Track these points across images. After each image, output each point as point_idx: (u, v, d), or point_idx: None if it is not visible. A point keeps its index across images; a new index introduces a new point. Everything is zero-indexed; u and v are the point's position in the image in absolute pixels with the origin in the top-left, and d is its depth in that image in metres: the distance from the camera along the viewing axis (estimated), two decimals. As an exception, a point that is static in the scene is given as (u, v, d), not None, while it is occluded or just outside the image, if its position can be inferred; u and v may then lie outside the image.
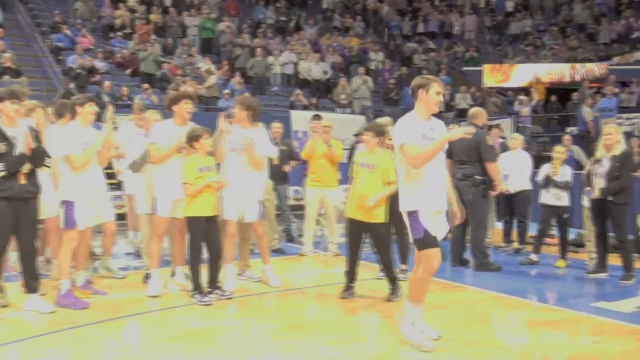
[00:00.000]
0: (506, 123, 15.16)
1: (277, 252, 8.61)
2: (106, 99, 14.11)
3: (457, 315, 5.63)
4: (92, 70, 15.61)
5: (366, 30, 23.89)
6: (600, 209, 7.31)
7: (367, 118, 15.46)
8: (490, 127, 9.51)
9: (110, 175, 7.54)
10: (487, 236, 8.45)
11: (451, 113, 17.62)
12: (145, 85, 15.24)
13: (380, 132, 6.32)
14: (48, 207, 6.10)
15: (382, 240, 6.20)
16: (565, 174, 8.20)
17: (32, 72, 15.97)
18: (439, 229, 4.72)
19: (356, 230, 6.21)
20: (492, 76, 21.34)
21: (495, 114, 17.23)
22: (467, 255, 8.03)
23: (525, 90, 19.61)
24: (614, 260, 7.50)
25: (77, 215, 5.80)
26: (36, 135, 5.53)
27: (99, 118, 6.40)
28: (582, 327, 5.62)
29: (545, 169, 8.37)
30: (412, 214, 4.63)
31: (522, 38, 24.02)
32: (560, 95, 19.33)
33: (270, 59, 18.75)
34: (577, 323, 5.70)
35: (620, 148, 7.16)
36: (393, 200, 7.05)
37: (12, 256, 6.26)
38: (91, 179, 5.97)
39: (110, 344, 4.92)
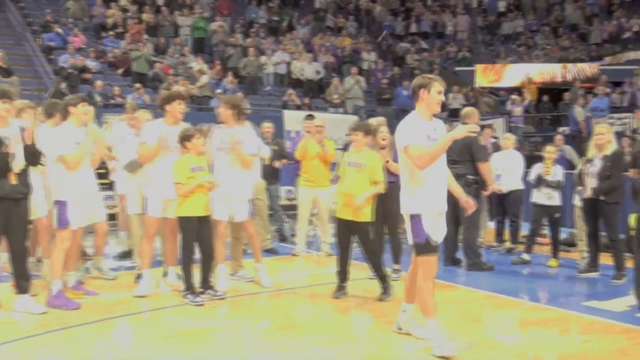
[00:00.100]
0: (498, 123, 15.20)
1: (270, 252, 8.60)
2: (98, 98, 14.08)
3: (450, 315, 5.63)
4: (83, 70, 15.55)
5: (359, 30, 23.90)
6: (592, 208, 7.33)
7: (360, 118, 15.46)
8: (482, 127, 9.52)
9: (101, 175, 7.51)
10: (479, 236, 8.47)
11: (444, 113, 17.64)
12: (137, 85, 15.19)
13: (369, 131, 6.34)
14: (38, 207, 6.07)
15: (369, 239, 6.20)
16: (557, 173, 8.24)
17: (23, 71, 15.90)
18: (439, 231, 4.68)
19: (345, 230, 6.21)
20: (484, 76, 21.39)
21: (488, 114, 17.26)
22: (460, 254, 8.04)
23: (518, 90, 19.65)
24: (606, 259, 7.53)
25: (70, 215, 5.78)
26: (27, 135, 5.51)
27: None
28: (574, 326, 5.64)
29: (537, 169, 8.40)
30: (415, 217, 4.57)
31: (514, 38, 24.08)
32: (552, 95, 19.39)
33: (263, 58, 18.73)
34: (568, 322, 5.72)
35: (611, 148, 7.19)
36: (386, 200, 7.09)
37: (3, 257, 6.23)
38: (83, 179, 5.95)
39: (102, 345, 4.89)
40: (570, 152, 11.66)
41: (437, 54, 22.80)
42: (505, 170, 8.97)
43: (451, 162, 7.77)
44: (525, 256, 8.30)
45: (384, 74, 20.40)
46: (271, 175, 9.00)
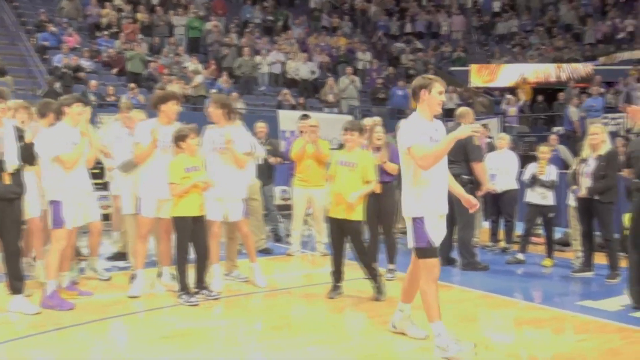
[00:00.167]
0: (493, 123, 15.22)
1: (264, 252, 8.59)
2: (92, 98, 14.04)
3: (444, 315, 5.60)
4: (77, 70, 15.51)
5: (354, 30, 23.91)
6: (587, 208, 7.35)
7: (355, 118, 15.46)
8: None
9: (95, 175, 7.49)
10: (474, 235, 8.48)
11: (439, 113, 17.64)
12: (132, 85, 15.17)
13: (363, 131, 6.40)
14: (31, 207, 6.06)
15: (360, 238, 6.21)
16: (551, 173, 8.27)
17: (17, 71, 15.86)
18: (440, 233, 4.63)
19: (338, 230, 6.21)
20: (479, 76, 21.43)
21: (483, 113, 17.30)
22: (455, 254, 8.05)
23: (512, 90, 19.71)
24: (600, 259, 7.55)
25: (65, 215, 5.77)
26: (21, 135, 5.50)
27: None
28: (568, 326, 5.65)
29: (531, 168, 8.43)
30: (418, 220, 4.51)
31: (508, 38, 24.13)
32: (547, 95, 19.45)
33: (258, 58, 18.72)
34: (563, 321, 5.73)
35: (605, 148, 7.21)
36: (381, 200, 7.10)
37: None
38: (78, 179, 5.95)
39: (96, 345, 4.88)
40: (564, 152, 11.69)
41: (431, 54, 22.83)
42: (499, 170, 8.98)
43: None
44: (520, 256, 8.33)
45: (379, 73, 20.42)
46: (265, 175, 8.99)
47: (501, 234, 9.38)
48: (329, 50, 20.88)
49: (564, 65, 20.52)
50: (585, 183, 7.24)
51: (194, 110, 15.27)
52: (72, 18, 18.72)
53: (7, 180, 5.36)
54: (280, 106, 16.61)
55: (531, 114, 19.17)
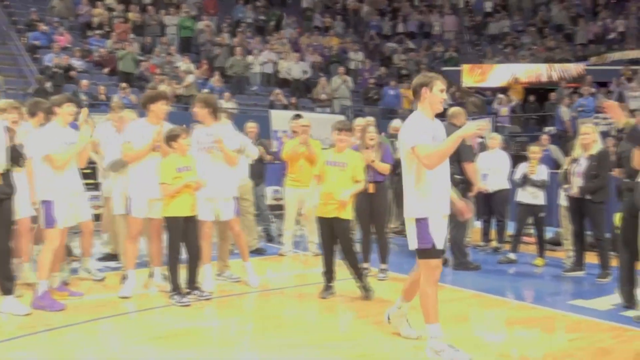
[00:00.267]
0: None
1: (257, 252, 8.58)
2: (83, 98, 13.99)
3: (436, 314, 5.65)
4: (68, 69, 15.44)
5: (346, 30, 23.92)
6: (578, 207, 7.38)
7: (347, 117, 15.48)
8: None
9: (87, 176, 7.46)
10: (466, 235, 8.49)
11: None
12: (123, 84, 15.12)
13: (351, 130, 6.43)
14: (21, 208, 6.02)
15: (348, 237, 6.22)
16: (541, 172, 8.30)
17: (8, 70, 15.78)
18: (443, 233, 4.56)
19: (329, 230, 6.21)
20: (471, 76, 21.47)
21: (474, 113, 17.34)
22: (447, 254, 8.05)
23: (504, 90, 19.76)
24: (591, 258, 7.58)
25: (57, 214, 5.75)
26: (11, 136, 5.47)
27: (75, 118, 6.32)
28: (560, 325, 5.67)
29: (522, 168, 8.46)
30: (422, 221, 4.42)
31: (500, 38, 24.18)
32: (538, 95, 19.51)
33: (250, 58, 18.70)
34: (554, 321, 5.74)
35: (597, 147, 7.24)
36: (374, 200, 7.11)
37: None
38: (69, 179, 5.93)
39: (87, 346, 4.85)
40: (556, 151, 11.72)
41: (424, 53, 22.85)
42: (491, 169, 9.00)
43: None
44: (512, 255, 8.35)
45: (371, 73, 20.44)
46: (257, 175, 8.98)
47: (493, 233, 9.40)
48: (321, 50, 20.89)
49: (556, 66, 20.58)
50: (577, 182, 7.27)
51: (185, 110, 15.23)
52: (63, 17, 18.64)
53: (-3, 180, 5.33)
54: (272, 106, 16.60)
55: (523, 114, 19.23)
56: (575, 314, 5.83)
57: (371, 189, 7.07)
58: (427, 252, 4.44)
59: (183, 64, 17.17)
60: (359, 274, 6.30)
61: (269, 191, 11.02)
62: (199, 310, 5.86)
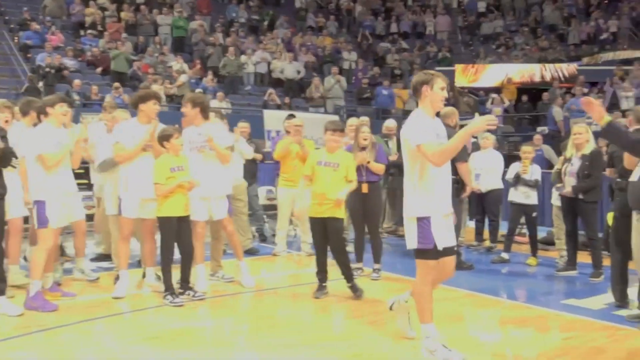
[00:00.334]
0: (478, 122, 15.25)
1: (250, 252, 8.56)
2: (76, 97, 13.95)
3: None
4: (61, 69, 15.39)
5: (339, 30, 23.93)
6: (571, 207, 7.40)
7: (341, 117, 15.49)
8: (462, 127, 9.57)
9: (79, 176, 7.42)
10: (459, 235, 8.49)
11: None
12: (116, 84, 15.08)
13: (343, 130, 6.41)
14: (11, 208, 5.99)
15: (341, 236, 6.25)
16: (534, 172, 8.33)
17: (0, 70, 15.71)
18: (449, 233, 4.47)
19: (321, 230, 6.21)
20: (464, 76, 21.51)
21: (467, 113, 17.36)
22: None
23: (497, 90, 19.80)
24: (584, 257, 7.60)
25: (49, 214, 5.72)
26: (3, 135, 5.44)
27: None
28: (553, 324, 5.68)
29: (515, 168, 8.48)
30: (424, 221, 4.33)
31: (493, 38, 24.24)
32: (531, 95, 19.56)
33: (243, 58, 18.68)
34: (547, 320, 5.76)
35: (589, 147, 7.26)
36: (367, 200, 7.11)
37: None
38: (62, 179, 5.90)
39: (81, 347, 4.84)
40: (548, 151, 11.76)
41: (417, 54, 22.89)
42: (484, 169, 9.02)
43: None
44: (505, 255, 8.37)
45: (365, 73, 20.45)
46: (249, 174, 8.96)
47: (486, 233, 9.41)
48: (314, 50, 20.89)
49: (548, 66, 20.65)
50: (570, 182, 7.29)
51: (178, 110, 15.19)
52: (55, 17, 18.60)
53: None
54: (265, 106, 16.60)
55: (516, 114, 19.28)
56: (568, 313, 5.85)
57: (365, 189, 7.07)
58: (426, 252, 4.37)
59: (176, 63, 17.15)
60: (349, 274, 6.30)
61: (262, 191, 11.01)
62: (193, 311, 5.85)
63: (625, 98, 16.20)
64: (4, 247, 5.69)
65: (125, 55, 16.68)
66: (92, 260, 7.85)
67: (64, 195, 5.93)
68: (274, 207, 9.95)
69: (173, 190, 5.94)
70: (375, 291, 6.57)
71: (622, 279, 6.03)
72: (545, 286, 7.33)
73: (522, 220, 8.64)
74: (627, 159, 5.58)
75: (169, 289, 5.99)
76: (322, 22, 23.54)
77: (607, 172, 6.85)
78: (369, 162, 7.05)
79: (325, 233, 6.20)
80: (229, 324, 5.57)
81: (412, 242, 4.42)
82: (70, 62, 16.12)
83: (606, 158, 7.11)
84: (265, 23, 22.00)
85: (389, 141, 10.04)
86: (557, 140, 14.32)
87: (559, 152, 9.29)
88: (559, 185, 7.59)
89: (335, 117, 15.53)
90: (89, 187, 8.43)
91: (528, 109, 19.15)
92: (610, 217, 6.23)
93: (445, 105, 5.59)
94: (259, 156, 9.28)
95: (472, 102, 19.39)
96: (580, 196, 7.23)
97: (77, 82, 14.90)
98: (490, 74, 21.20)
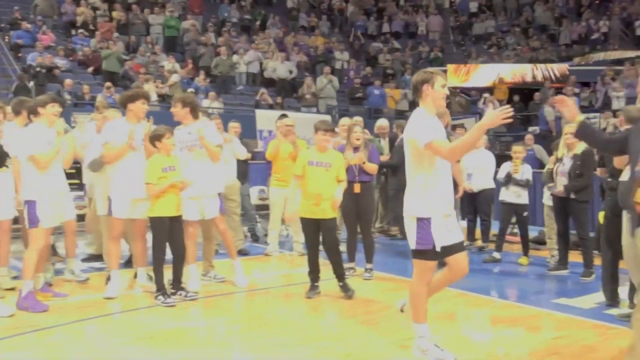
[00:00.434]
0: (470, 122, 15.29)
1: (241, 253, 8.55)
2: (67, 97, 13.89)
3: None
4: (52, 68, 15.33)
5: (332, 30, 23.93)
6: (563, 206, 7.43)
7: (333, 117, 15.49)
8: (454, 127, 9.59)
9: (71, 176, 7.41)
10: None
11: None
12: (108, 84, 15.01)
13: (333, 130, 6.43)
14: (1, 209, 5.97)
15: (334, 235, 6.25)
16: (525, 172, 8.36)
17: (-9, 69, 15.65)
18: (450, 232, 4.40)
19: (314, 230, 6.21)
20: (456, 76, 21.54)
21: (460, 113, 17.41)
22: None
23: (489, 90, 19.85)
24: (575, 257, 7.63)
25: (40, 214, 5.70)
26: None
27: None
28: (544, 323, 5.70)
29: (506, 167, 8.51)
30: (424, 221, 4.29)
31: (485, 38, 24.31)
32: (523, 95, 19.62)
33: (235, 57, 18.65)
34: (538, 319, 5.78)
35: (581, 147, 7.28)
36: (360, 200, 7.11)
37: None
38: (54, 179, 5.89)
39: (73, 347, 4.82)
40: (540, 151, 11.80)
41: (409, 53, 22.92)
42: (476, 169, 9.03)
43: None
44: (496, 254, 8.40)
45: (357, 73, 20.46)
46: (241, 174, 8.95)
47: (478, 233, 9.44)
48: (306, 50, 20.89)
49: (540, 66, 20.71)
50: (562, 182, 7.33)
51: (169, 109, 15.16)
52: (47, 16, 18.51)
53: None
54: (257, 106, 16.58)
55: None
56: (559, 313, 5.87)
57: (357, 188, 7.08)
58: (425, 253, 4.33)
59: (168, 63, 17.10)
60: (341, 274, 6.31)
61: (254, 191, 11.00)
62: (185, 311, 5.84)
63: (616, 98, 16.29)
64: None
65: (117, 54, 16.62)
66: (84, 260, 7.83)
67: (55, 195, 5.91)
68: (266, 207, 9.95)
69: (165, 190, 5.93)
70: (367, 291, 6.59)
71: (613, 278, 6.06)
72: (537, 285, 7.36)
73: (514, 219, 8.67)
74: (617, 158, 5.61)
75: (160, 289, 5.98)
76: (315, 21, 23.55)
77: (598, 171, 6.88)
78: (364, 162, 7.06)
79: (317, 233, 6.20)
80: (221, 324, 5.57)
81: (411, 242, 4.40)
82: (61, 62, 16.06)
83: (597, 158, 7.14)
84: (258, 23, 21.98)
85: (382, 140, 10.07)
86: (548, 140, 14.36)
87: (550, 152, 9.32)
88: (550, 185, 7.62)
89: (328, 117, 15.54)
90: (81, 187, 8.41)
91: (519, 109, 19.17)
92: (601, 217, 6.26)
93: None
94: (249, 155, 9.28)
95: (464, 102, 19.44)
96: (572, 196, 7.27)
97: (68, 81, 14.84)
98: (482, 74, 21.24)
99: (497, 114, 4.07)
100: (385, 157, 9.36)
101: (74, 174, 8.31)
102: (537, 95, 18.34)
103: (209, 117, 7.48)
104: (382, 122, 10.49)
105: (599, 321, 5.55)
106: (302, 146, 8.28)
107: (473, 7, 25.97)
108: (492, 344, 5.09)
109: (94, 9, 19.04)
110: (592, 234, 7.56)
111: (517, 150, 8.53)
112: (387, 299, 6.29)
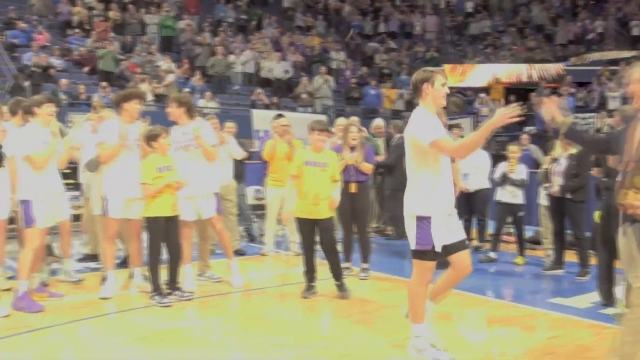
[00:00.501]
0: (466, 122, 15.35)
1: (238, 253, 8.54)
2: (63, 97, 13.86)
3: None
4: (47, 68, 15.30)
5: (328, 30, 23.93)
6: (559, 206, 7.45)
7: (329, 117, 15.49)
8: (450, 127, 9.59)
9: (67, 176, 7.39)
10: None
11: (410, 112, 17.76)
12: (104, 84, 15.00)
13: (328, 130, 6.44)
14: None
15: (332, 235, 6.27)
16: (521, 172, 8.37)
17: (-14, 69, 15.60)
18: (451, 231, 4.40)
19: (311, 230, 6.22)
20: (452, 76, 21.54)
21: (455, 113, 17.43)
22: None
23: (485, 90, 19.88)
24: (570, 256, 7.65)
25: (35, 213, 5.69)
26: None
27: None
28: (539, 323, 5.71)
29: (502, 167, 8.53)
30: (424, 220, 4.27)
31: (481, 38, 24.35)
32: (519, 95, 19.62)
33: (231, 57, 18.64)
34: (534, 319, 5.79)
35: (576, 147, 7.30)
36: (356, 200, 7.11)
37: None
38: (49, 179, 5.88)
39: (68, 347, 4.82)
40: (536, 151, 11.81)
41: (405, 53, 22.94)
42: (472, 169, 9.03)
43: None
44: (492, 254, 8.41)
45: (353, 73, 20.47)
46: (236, 174, 8.94)
47: (474, 232, 9.44)
48: (302, 50, 20.89)
49: (536, 66, 20.74)
50: (558, 182, 7.35)
51: (165, 109, 15.14)
52: (42, 15, 18.48)
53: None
54: (254, 105, 16.58)
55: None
56: (555, 312, 5.88)
57: (353, 188, 7.09)
58: (424, 253, 4.32)
59: (164, 63, 17.09)
60: (338, 273, 6.31)
61: (250, 191, 10.99)
62: (180, 311, 5.84)
63: (612, 98, 16.33)
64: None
65: (113, 54, 16.60)
66: (79, 260, 7.82)
67: (51, 195, 5.91)
68: (262, 207, 9.94)
69: (161, 190, 5.93)
70: (363, 291, 6.59)
71: (608, 278, 6.07)
72: (533, 285, 7.37)
73: (509, 219, 8.68)
74: (613, 158, 5.62)
75: (156, 289, 5.98)
76: (311, 21, 23.55)
77: (594, 171, 6.89)
78: (358, 162, 7.06)
79: (313, 233, 6.20)
80: (217, 324, 5.56)
81: (411, 242, 4.39)
82: (57, 62, 16.03)
83: (593, 157, 7.15)
84: (254, 23, 21.96)
85: (378, 139, 10.08)
86: (544, 139, 14.39)
87: (546, 152, 9.33)
88: (546, 185, 7.63)
89: (323, 117, 15.54)
90: (77, 187, 8.39)
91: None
92: (597, 216, 6.27)
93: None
94: (245, 154, 9.28)
95: (460, 102, 19.46)
96: (568, 195, 7.29)
97: (64, 81, 14.81)
98: (478, 73, 21.26)
99: (505, 113, 4.04)
100: (381, 158, 9.37)
101: (70, 174, 8.27)
102: (533, 95, 18.35)
103: (204, 117, 7.46)
104: (379, 122, 10.51)
105: (594, 321, 5.56)
106: (298, 146, 8.28)
107: (469, 7, 26.02)
108: (487, 344, 5.10)
109: (90, 8, 19.00)
110: (587, 234, 7.57)
111: (513, 150, 8.56)
112: (383, 299, 6.30)
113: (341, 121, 8.67)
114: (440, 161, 4.32)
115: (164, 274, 6.11)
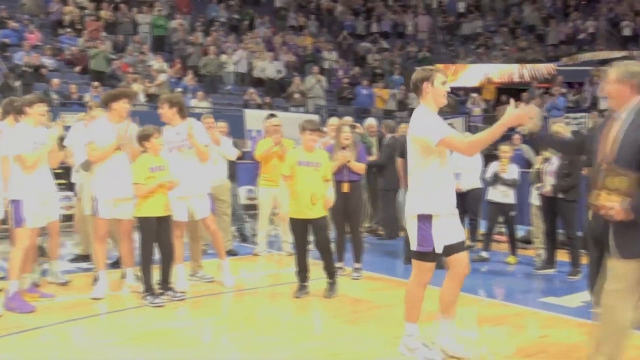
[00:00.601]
0: (458, 122, 15.38)
1: (229, 253, 8.52)
2: (54, 97, 13.81)
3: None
4: (39, 68, 15.23)
5: (320, 30, 23.93)
6: (551, 206, 7.49)
7: (321, 117, 15.49)
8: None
9: (58, 176, 7.36)
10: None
11: (405, 112, 17.80)
12: (95, 83, 14.95)
13: (320, 129, 6.45)
14: None
15: (327, 234, 6.26)
16: (512, 171, 8.40)
17: (-23, 69, 15.51)
18: (451, 231, 4.37)
19: (303, 230, 6.22)
20: (444, 76, 21.57)
21: (447, 113, 17.45)
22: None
23: (477, 90, 19.93)
24: (562, 256, 7.68)
25: (26, 213, 5.67)
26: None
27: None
28: (530, 322, 5.74)
29: (493, 167, 8.55)
30: (425, 220, 4.26)
31: (473, 38, 24.40)
32: (511, 95, 19.65)
33: (224, 57, 18.62)
34: (525, 318, 5.82)
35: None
36: (349, 199, 7.12)
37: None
38: (41, 179, 5.86)
39: (61, 348, 4.81)
40: (528, 151, 11.84)
41: (397, 53, 22.96)
42: (464, 169, 9.03)
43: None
44: (484, 254, 8.43)
45: (345, 73, 20.48)
46: (229, 174, 8.93)
47: (466, 232, 9.45)
48: (295, 50, 20.87)
49: (527, 66, 20.79)
50: (549, 181, 7.38)
51: (157, 109, 15.10)
52: (33, 15, 18.40)
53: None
54: (246, 105, 16.56)
55: (496, 114, 19.39)
56: (546, 311, 5.91)
57: (346, 188, 7.10)
58: (425, 254, 4.32)
59: (156, 62, 17.04)
60: (332, 272, 6.32)
61: (242, 191, 10.98)
62: (173, 311, 5.83)
63: (603, 98, 16.38)
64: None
65: (105, 54, 16.54)
66: (71, 261, 7.79)
67: (42, 195, 5.88)
68: (254, 207, 9.93)
69: (153, 190, 5.92)
70: (355, 290, 6.60)
71: (600, 277, 6.09)
72: (524, 284, 7.40)
73: (501, 219, 8.70)
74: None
75: (148, 289, 5.97)
76: (303, 21, 23.53)
77: (586, 171, 6.93)
78: (349, 162, 7.07)
79: (306, 233, 6.21)
80: (209, 324, 5.56)
81: (412, 243, 4.38)
82: (48, 61, 15.96)
83: (585, 157, 7.18)
84: (246, 22, 21.93)
85: (371, 139, 10.09)
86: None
87: (538, 152, 9.36)
88: (538, 185, 7.66)
89: (316, 117, 15.53)
90: (69, 187, 8.36)
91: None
92: (590, 215, 6.29)
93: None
94: (240, 153, 9.27)
95: (452, 101, 19.46)
96: (560, 195, 7.32)
97: (55, 81, 14.75)
98: (470, 73, 21.28)
99: (519, 114, 4.02)
100: (373, 157, 9.38)
101: (62, 174, 8.25)
102: (524, 95, 18.41)
103: (198, 118, 7.45)
104: (371, 122, 10.52)
105: (585, 320, 5.56)
106: (289, 146, 8.27)
107: (461, 7, 26.07)
108: (478, 343, 5.11)
109: (81, 8, 18.93)
110: (579, 233, 7.60)
111: (505, 150, 8.58)
112: (376, 299, 6.32)
113: (333, 121, 8.67)
114: (443, 160, 4.31)
115: (156, 274, 6.10)
